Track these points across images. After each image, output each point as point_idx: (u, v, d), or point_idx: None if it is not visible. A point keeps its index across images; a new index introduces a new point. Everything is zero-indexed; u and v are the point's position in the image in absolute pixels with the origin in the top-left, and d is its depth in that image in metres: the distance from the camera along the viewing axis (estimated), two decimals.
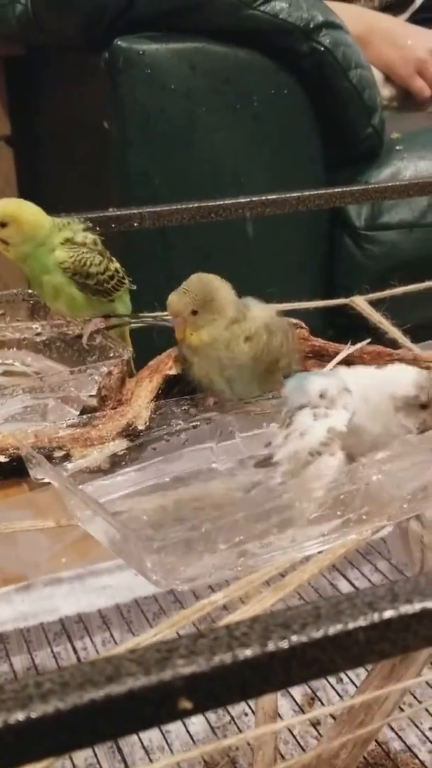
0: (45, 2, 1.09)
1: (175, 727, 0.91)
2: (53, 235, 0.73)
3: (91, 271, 0.73)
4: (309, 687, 0.97)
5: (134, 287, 0.79)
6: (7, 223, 0.71)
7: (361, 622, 0.30)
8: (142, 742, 0.89)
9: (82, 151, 1.25)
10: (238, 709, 0.94)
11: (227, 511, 0.51)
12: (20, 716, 0.26)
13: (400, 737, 0.90)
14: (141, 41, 1.06)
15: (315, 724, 0.92)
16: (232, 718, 0.92)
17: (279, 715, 0.81)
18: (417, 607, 0.31)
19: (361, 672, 0.97)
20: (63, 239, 0.73)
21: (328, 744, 0.53)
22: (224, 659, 0.28)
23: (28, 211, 0.73)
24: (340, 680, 0.98)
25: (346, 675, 0.99)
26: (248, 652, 0.29)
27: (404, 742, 0.89)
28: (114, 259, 0.77)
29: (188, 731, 0.90)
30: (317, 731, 0.90)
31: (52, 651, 1.02)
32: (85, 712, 0.27)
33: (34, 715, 0.27)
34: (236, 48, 1.09)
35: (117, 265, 0.76)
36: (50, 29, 1.14)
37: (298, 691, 0.96)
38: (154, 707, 0.28)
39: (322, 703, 0.94)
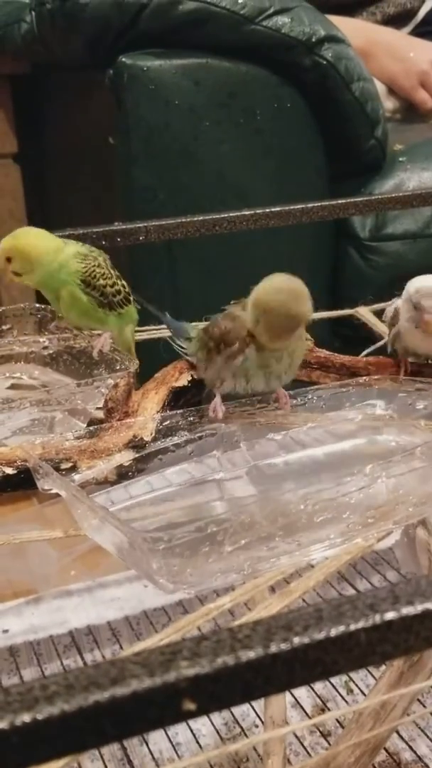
0: (50, 21, 1.11)
1: (185, 739, 0.91)
2: (62, 251, 0.74)
3: (98, 283, 0.74)
4: (319, 698, 0.97)
5: (138, 307, 0.80)
6: (12, 257, 0.74)
7: (363, 623, 0.30)
8: (152, 754, 0.89)
9: (88, 167, 1.26)
10: (248, 720, 0.94)
11: (233, 515, 0.51)
12: (26, 718, 0.27)
13: (411, 748, 0.90)
14: (145, 58, 1.07)
15: (326, 735, 0.92)
16: (243, 729, 0.92)
17: (288, 724, 0.81)
18: (418, 608, 0.31)
19: (372, 683, 0.97)
20: (74, 252, 0.74)
21: (335, 749, 0.53)
22: (227, 661, 0.29)
23: (30, 241, 0.74)
24: (351, 691, 0.98)
25: (357, 686, 0.99)
26: (251, 654, 0.29)
27: (415, 753, 0.89)
28: (120, 277, 0.78)
29: (198, 743, 0.91)
30: (327, 742, 0.90)
31: (62, 663, 1.02)
32: (90, 714, 0.27)
33: (39, 716, 0.27)
34: (239, 63, 1.10)
35: (125, 284, 0.78)
36: (55, 47, 1.16)
37: (308, 703, 0.96)
38: (158, 709, 0.28)
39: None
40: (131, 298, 0.78)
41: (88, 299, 0.74)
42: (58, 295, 0.76)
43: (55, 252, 0.74)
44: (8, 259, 0.74)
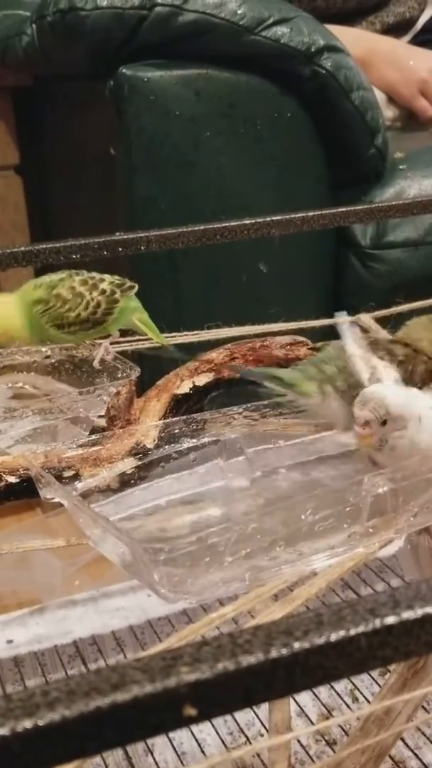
0: (51, 33, 1.11)
1: (190, 748, 0.91)
2: (29, 304, 0.77)
3: (69, 319, 0.76)
4: (324, 707, 0.96)
5: (135, 288, 0.79)
6: None
7: (363, 628, 0.30)
8: (157, 764, 0.89)
9: (90, 178, 1.27)
10: (253, 729, 0.94)
11: (234, 525, 0.51)
12: (27, 724, 0.27)
13: (417, 756, 0.89)
14: (145, 69, 1.08)
15: (331, 743, 0.91)
16: (248, 738, 0.92)
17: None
18: (419, 612, 0.31)
19: (377, 691, 0.96)
20: (38, 303, 0.76)
21: (339, 755, 0.53)
22: (228, 666, 0.29)
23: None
24: (356, 699, 0.98)
25: (362, 694, 0.98)
26: (251, 659, 0.29)
27: (421, 761, 0.88)
28: (98, 282, 0.78)
29: (203, 752, 0.90)
30: (333, 750, 0.89)
31: (66, 674, 1.02)
32: (91, 720, 0.27)
33: (40, 722, 0.27)
34: (239, 73, 1.11)
35: (105, 285, 0.78)
36: (56, 59, 1.17)
37: (313, 711, 0.96)
38: (159, 714, 0.28)
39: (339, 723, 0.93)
40: (117, 295, 0.78)
41: (75, 336, 0.76)
42: (51, 341, 0.79)
43: (25, 314, 0.76)
44: None
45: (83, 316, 0.76)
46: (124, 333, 0.82)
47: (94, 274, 0.80)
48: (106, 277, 0.79)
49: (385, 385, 0.60)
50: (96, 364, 0.77)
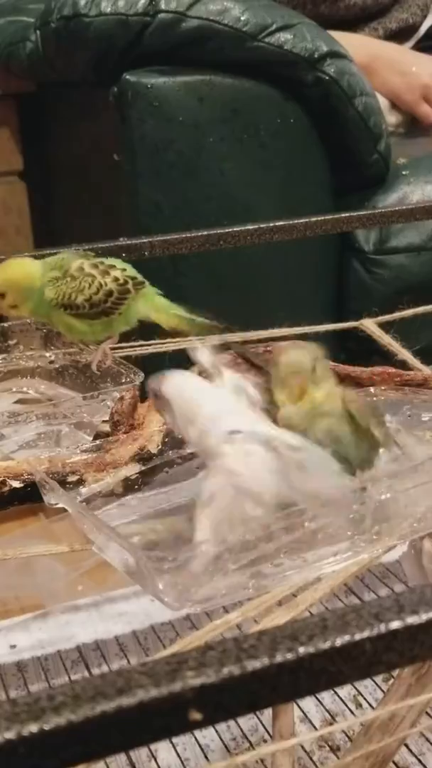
0: (55, 40, 1.12)
1: (193, 754, 0.91)
2: (44, 278, 0.74)
3: (79, 300, 0.73)
4: (328, 712, 0.96)
5: (145, 285, 0.76)
6: (5, 291, 0.74)
7: (368, 633, 0.30)
8: None
9: (94, 184, 1.27)
10: (257, 735, 0.94)
11: (236, 533, 0.51)
12: (33, 728, 0.27)
13: (420, 762, 0.89)
14: (149, 75, 1.08)
15: (335, 749, 0.91)
16: (251, 744, 0.92)
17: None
18: (423, 617, 0.31)
19: (381, 697, 0.96)
20: (49, 278, 0.74)
21: (343, 761, 0.53)
22: (233, 671, 0.29)
23: (19, 272, 0.75)
24: (360, 705, 0.98)
25: (366, 700, 0.98)
26: (256, 664, 0.29)
27: (425, 767, 0.88)
28: (110, 268, 0.75)
29: (207, 758, 0.90)
30: (336, 756, 0.89)
31: (69, 678, 1.02)
32: (97, 724, 0.28)
33: (47, 727, 0.27)
34: (243, 79, 1.11)
35: (117, 273, 0.75)
36: (60, 66, 1.17)
37: (317, 717, 0.96)
38: (164, 719, 0.28)
39: (343, 729, 0.93)
40: (129, 287, 0.75)
41: (80, 321, 0.73)
42: (51, 321, 0.76)
43: (41, 279, 0.74)
44: (2, 295, 0.74)
45: (95, 299, 0.72)
46: (126, 338, 0.81)
47: (102, 259, 0.76)
48: (116, 262, 0.76)
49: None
50: (93, 367, 0.76)
